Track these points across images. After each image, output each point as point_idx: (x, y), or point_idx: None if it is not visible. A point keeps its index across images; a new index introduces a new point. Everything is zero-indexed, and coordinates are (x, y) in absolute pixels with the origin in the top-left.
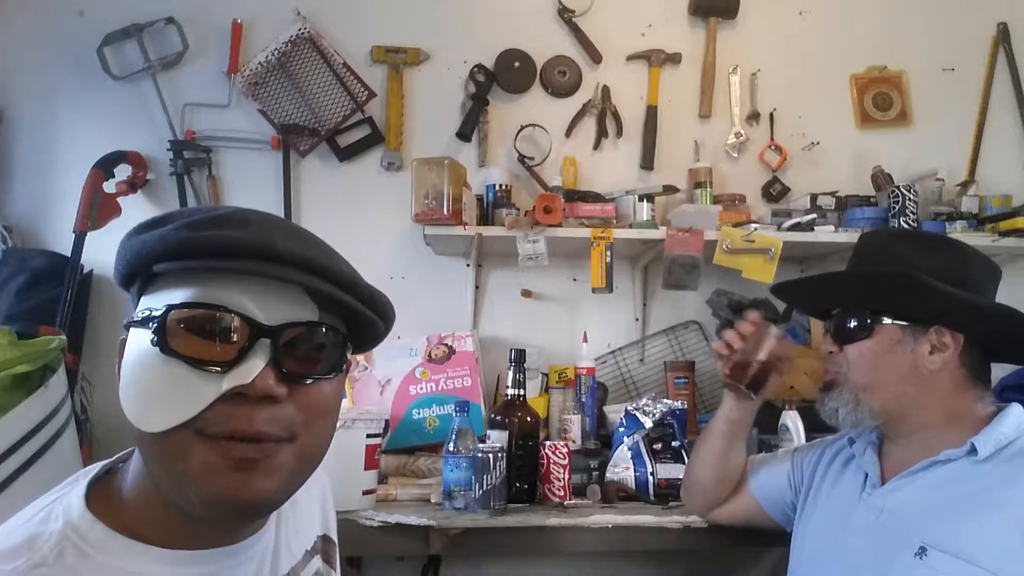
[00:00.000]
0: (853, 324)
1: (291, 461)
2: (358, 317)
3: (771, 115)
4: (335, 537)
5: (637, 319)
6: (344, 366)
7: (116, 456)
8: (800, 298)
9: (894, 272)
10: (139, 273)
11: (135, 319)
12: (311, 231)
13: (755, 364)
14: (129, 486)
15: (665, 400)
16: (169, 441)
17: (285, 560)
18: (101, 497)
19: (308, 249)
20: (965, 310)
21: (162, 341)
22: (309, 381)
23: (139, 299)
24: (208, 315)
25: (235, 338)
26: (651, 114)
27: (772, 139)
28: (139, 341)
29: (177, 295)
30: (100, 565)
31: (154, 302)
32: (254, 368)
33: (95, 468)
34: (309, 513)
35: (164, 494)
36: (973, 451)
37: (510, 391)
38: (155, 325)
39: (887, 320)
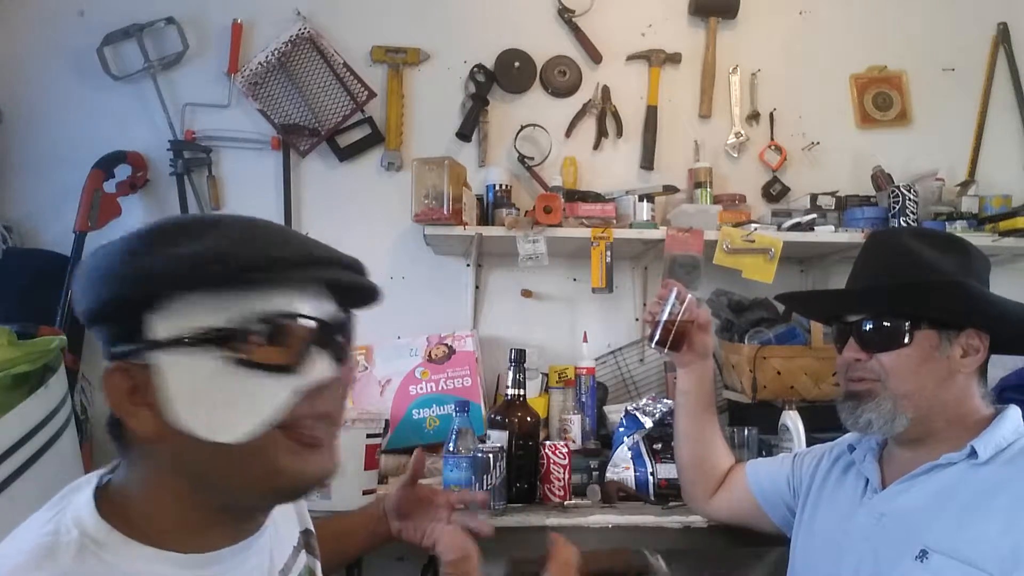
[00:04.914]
0: (889, 332)
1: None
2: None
3: (771, 115)
4: (312, 527)
5: (637, 319)
6: None
7: (107, 467)
8: (815, 307)
9: (950, 282)
10: (149, 298)
11: (188, 339)
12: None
13: (675, 324)
14: (136, 495)
15: (665, 400)
16: (253, 445)
17: (278, 558)
18: (109, 506)
19: (323, 247)
20: (1004, 314)
21: (249, 356)
22: (349, 363)
23: (139, 322)
24: (281, 324)
25: (303, 339)
26: (651, 114)
27: (772, 139)
28: (200, 360)
29: (227, 311)
30: (121, 572)
31: (190, 320)
32: (323, 362)
33: (90, 479)
34: (287, 509)
35: (219, 497)
36: (973, 454)
37: (510, 391)
38: (235, 342)
39: (924, 326)
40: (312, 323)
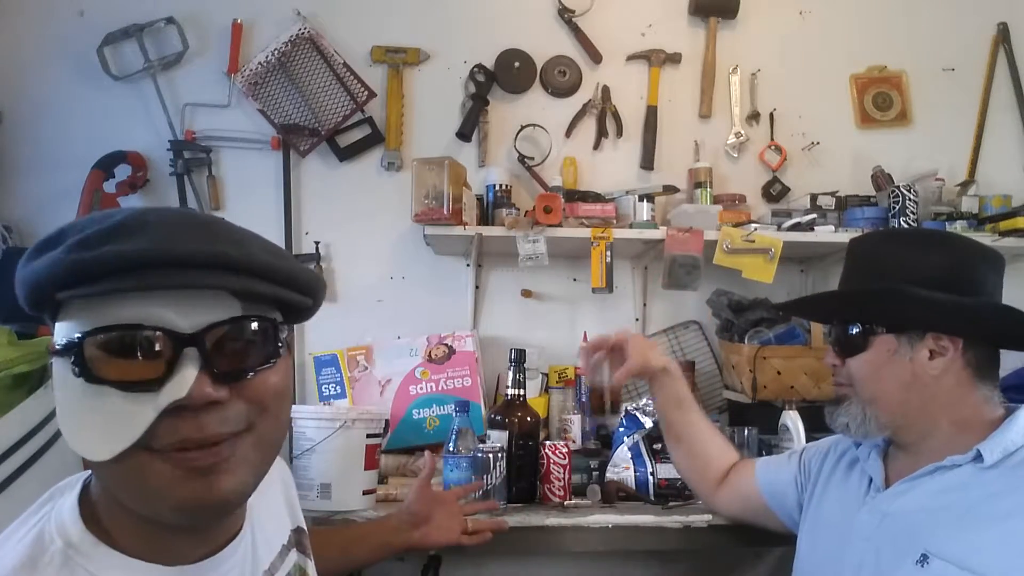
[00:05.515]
0: (849, 338)
1: (251, 451)
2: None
3: (771, 115)
4: (304, 525)
5: (637, 319)
6: (283, 350)
7: (89, 471)
8: (798, 313)
9: (878, 290)
10: (44, 301)
11: (55, 348)
12: (218, 217)
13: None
14: (109, 504)
15: None
16: (123, 465)
17: (264, 558)
18: (91, 512)
19: (215, 244)
20: (956, 315)
21: (86, 371)
22: (249, 376)
23: (53, 324)
24: (126, 335)
25: (160, 352)
26: (651, 114)
27: (772, 139)
28: (64, 371)
29: (90, 319)
30: None
31: (69, 329)
32: (187, 379)
33: (73, 483)
34: (277, 507)
35: (133, 511)
36: (979, 457)
37: (510, 391)
38: (74, 356)
39: (881, 331)
40: (155, 334)
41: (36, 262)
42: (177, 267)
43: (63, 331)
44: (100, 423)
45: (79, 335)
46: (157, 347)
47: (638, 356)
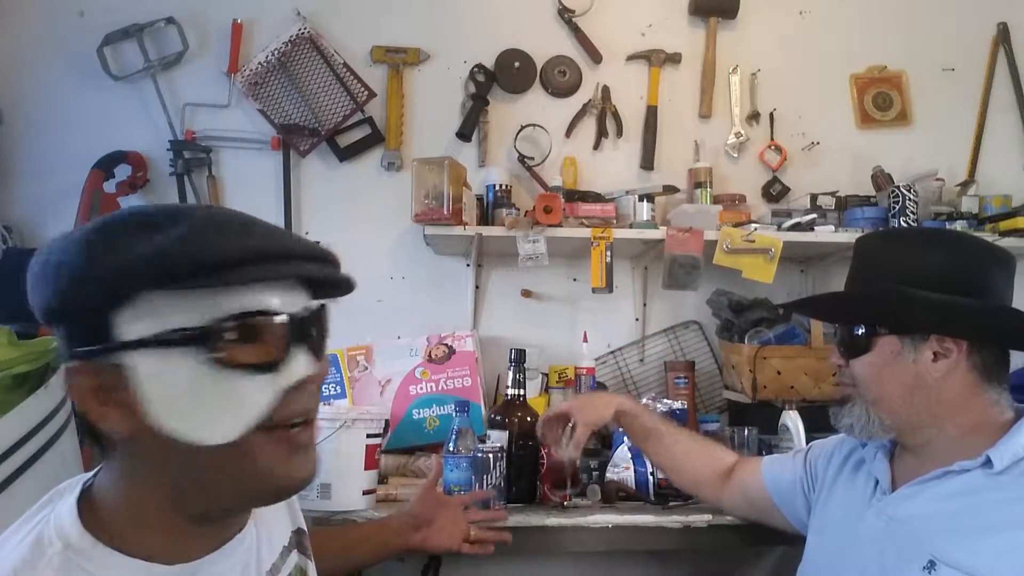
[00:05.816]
0: (853, 339)
1: (315, 429)
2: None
3: (771, 115)
4: (304, 526)
5: (637, 319)
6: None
7: (91, 472)
8: (806, 312)
9: (879, 291)
10: (108, 297)
11: (160, 339)
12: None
13: (562, 468)
14: (117, 501)
15: (665, 400)
16: (234, 447)
17: (267, 558)
18: (92, 513)
19: (297, 240)
20: (957, 316)
21: (218, 358)
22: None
23: (106, 320)
24: (255, 322)
25: (280, 336)
26: (651, 114)
27: (772, 139)
28: (175, 361)
29: (188, 311)
30: None
31: (160, 320)
32: (305, 359)
33: (73, 485)
34: (278, 508)
35: (200, 502)
36: (988, 463)
37: (510, 391)
38: (209, 342)
39: (884, 333)
40: (285, 319)
41: (120, 256)
42: (280, 260)
43: (140, 323)
44: (221, 407)
45: (203, 323)
46: (278, 331)
47: (582, 422)
